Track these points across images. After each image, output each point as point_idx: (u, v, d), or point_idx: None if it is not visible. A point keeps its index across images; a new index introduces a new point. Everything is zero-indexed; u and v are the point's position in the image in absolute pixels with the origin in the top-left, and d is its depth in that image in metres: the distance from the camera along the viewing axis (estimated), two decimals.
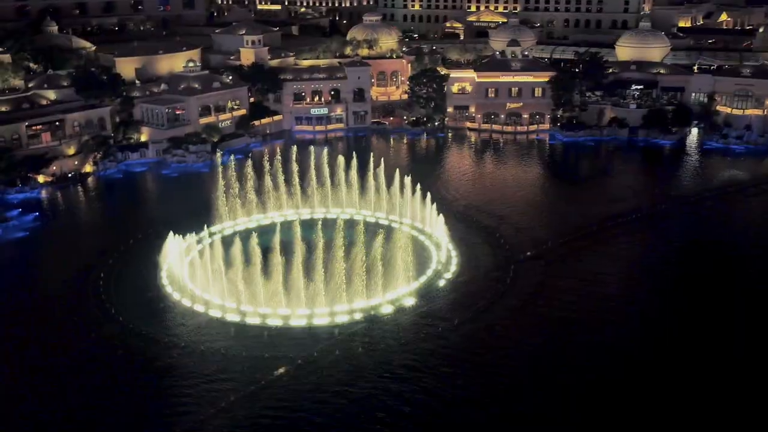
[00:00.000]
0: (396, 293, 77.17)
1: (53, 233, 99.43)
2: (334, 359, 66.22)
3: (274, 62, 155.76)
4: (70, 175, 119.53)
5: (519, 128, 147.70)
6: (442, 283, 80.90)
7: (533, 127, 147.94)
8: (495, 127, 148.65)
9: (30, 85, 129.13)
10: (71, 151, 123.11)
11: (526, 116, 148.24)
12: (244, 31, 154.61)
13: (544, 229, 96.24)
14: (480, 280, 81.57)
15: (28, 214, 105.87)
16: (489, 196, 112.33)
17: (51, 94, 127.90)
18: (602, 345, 68.50)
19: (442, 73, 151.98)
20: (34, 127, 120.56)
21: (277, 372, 63.68)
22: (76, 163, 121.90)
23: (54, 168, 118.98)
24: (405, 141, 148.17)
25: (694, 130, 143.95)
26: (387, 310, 74.81)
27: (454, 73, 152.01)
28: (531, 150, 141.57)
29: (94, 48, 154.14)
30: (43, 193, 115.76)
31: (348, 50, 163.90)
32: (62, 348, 68.31)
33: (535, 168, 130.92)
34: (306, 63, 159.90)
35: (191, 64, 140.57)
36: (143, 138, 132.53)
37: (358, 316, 73.49)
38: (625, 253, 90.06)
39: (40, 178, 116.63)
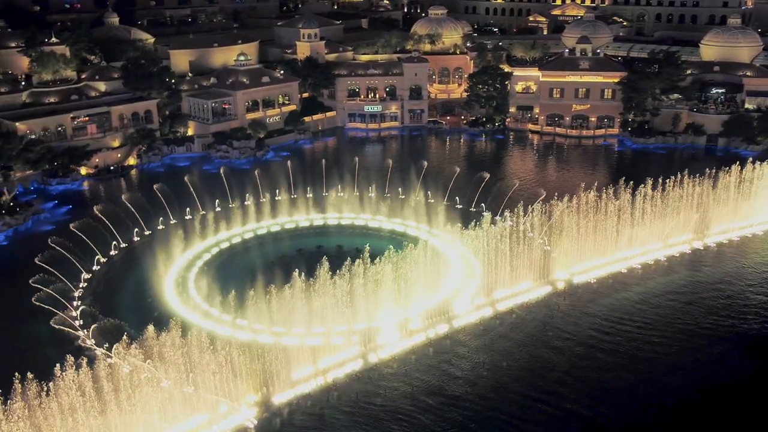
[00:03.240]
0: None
1: (77, 227, 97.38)
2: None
3: (331, 56, 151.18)
4: (112, 167, 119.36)
5: (585, 132, 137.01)
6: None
7: (600, 132, 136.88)
8: (559, 130, 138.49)
9: (83, 76, 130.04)
10: (116, 143, 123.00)
11: (593, 119, 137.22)
12: (301, 24, 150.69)
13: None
14: (497, 309, 73.57)
15: (62, 206, 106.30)
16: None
17: (101, 86, 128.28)
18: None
19: (506, 70, 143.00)
20: (80, 119, 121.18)
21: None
22: (119, 155, 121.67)
23: (97, 160, 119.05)
24: (462, 142, 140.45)
25: None
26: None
27: (518, 71, 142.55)
28: (597, 156, 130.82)
29: (152, 40, 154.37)
30: (85, 185, 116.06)
31: (409, 45, 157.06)
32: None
33: (599, 177, 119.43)
34: (364, 58, 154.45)
35: (242, 58, 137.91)
36: (190, 132, 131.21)
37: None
38: (674, 288, 79.36)
39: (83, 170, 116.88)
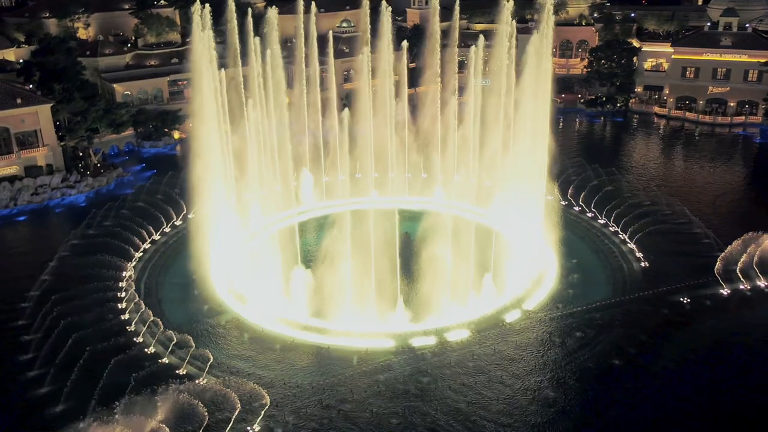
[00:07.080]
0: (448, 321, 62.73)
1: (149, 194, 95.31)
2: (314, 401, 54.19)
3: (443, 25, 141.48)
4: None
5: (720, 119, 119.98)
6: (513, 317, 64.32)
7: (739, 119, 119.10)
8: (689, 115, 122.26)
9: (187, 39, 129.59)
10: None
11: (732, 104, 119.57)
12: None
13: (694, 259, 73.39)
14: (563, 322, 63.72)
15: (148, 170, 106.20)
16: (650, 201, 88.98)
17: None
18: None
19: (634, 45, 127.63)
20: (179, 83, 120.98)
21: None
22: None
23: (190, 124, 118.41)
24: (577, 123, 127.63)
25: None
26: (425, 342, 60.71)
27: (647, 47, 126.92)
28: (732, 148, 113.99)
29: (263, 4, 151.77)
30: (177, 150, 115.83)
31: (529, 15, 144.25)
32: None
33: (731, 172, 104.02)
34: (479, 27, 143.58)
35: (345, 25, 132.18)
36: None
37: (388, 344, 60.46)
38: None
39: (176, 134, 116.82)
